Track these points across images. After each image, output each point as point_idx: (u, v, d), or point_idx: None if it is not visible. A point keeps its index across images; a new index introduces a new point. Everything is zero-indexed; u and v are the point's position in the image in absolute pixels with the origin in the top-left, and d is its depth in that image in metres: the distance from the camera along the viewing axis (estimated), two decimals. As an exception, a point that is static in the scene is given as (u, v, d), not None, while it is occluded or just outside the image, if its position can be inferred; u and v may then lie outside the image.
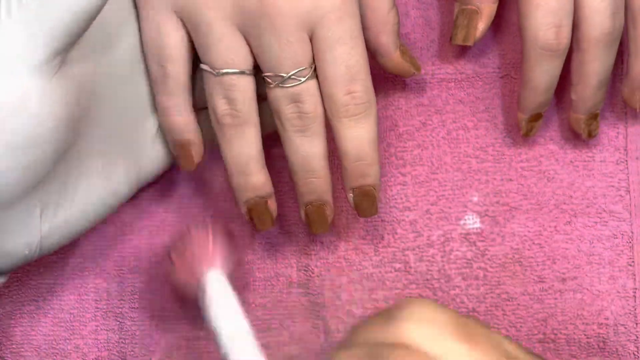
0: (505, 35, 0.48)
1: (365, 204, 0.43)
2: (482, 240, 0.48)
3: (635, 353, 0.47)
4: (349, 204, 0.44)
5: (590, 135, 0.46)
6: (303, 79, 0.41)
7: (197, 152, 0.44)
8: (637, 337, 0.47)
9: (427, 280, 0.47)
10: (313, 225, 0.44)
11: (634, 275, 0.47)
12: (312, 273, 0.48)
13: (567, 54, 0.44)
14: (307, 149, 0.42)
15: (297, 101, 0.41)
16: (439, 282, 0.47)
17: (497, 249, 0.47)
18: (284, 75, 0.41)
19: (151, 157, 0.45)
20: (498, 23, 0.48)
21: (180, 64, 0.42)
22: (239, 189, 0.43)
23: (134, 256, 0.48)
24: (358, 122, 0.41)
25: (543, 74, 0.44)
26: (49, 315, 0.48)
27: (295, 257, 0.48)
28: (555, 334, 0.47)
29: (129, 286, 0.48)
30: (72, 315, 0.48)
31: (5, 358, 0.48)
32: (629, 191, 0.47)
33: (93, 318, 0.48)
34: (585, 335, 0.47)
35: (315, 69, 0.41)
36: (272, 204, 0.44)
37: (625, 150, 0.48)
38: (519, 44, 0.48)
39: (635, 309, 0.47)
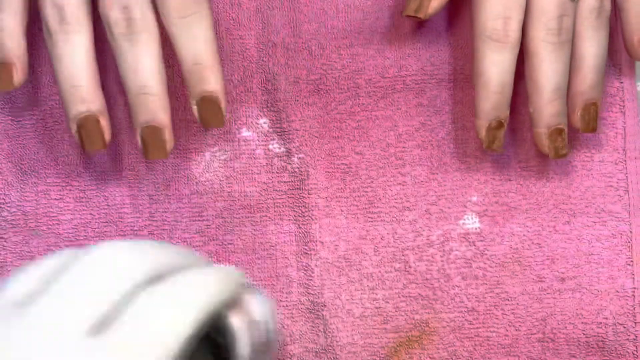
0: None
1: (207, 112, 0.42)
2: (482, 240, 0.48)
3: (635, 352, 0.47)
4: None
5: (558, 154, 0.45)
6: None
7: (19, 73, 0.43)
8: (636, 337, 0.47)
9: (427, 279, 0.48)
10: (148, 150, 0.42)
11: (633, 274, 0.47)
12: (312, 273, 0.48)
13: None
14: (138, 59, 0.41)
15: (125, 6, 0.40)
16: (438, 282, 0.47)
17: (496, 249, 0.48)
18: None
19: None
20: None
21: None
22: (68, 103, 0.42)
23: (134, 256, 0.48)
24: (191, 24, 0.41)
25: (492, 66, 0.44)
26: (48, 315, 0.48)
27: (295, 257, 0.48)
28: (555, 334, 0.47)
29: (129, 286, 0.48)
30: (71, 316, 0.48)
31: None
32: (627, 191, 0.48)
33: (93, 318, 0.48)
34: (584, 334, 0.47)
35: None
36: (105, 122, 0.42)
37: (623, 150, 0.48)
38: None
39: (634, 309, 0.47)
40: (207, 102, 0.42)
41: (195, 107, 0.42)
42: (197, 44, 0.41)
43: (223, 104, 0.42)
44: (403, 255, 0.48)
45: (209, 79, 0.42)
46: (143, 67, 0.41)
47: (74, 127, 0.42)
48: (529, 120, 0.48)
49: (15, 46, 0.43)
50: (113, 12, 0.41)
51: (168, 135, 0.42)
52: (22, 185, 0.48)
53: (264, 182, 0.48)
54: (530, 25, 0.43)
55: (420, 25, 0.49)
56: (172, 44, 0.42)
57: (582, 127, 0.45)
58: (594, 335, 0.47)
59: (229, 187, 0.48)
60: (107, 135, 0.42)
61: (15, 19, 0.42)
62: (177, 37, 0.42)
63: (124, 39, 0.41)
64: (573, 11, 0.43)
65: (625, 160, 0.48)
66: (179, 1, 0.41)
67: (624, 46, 0.46)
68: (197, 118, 0.42)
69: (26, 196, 0.48)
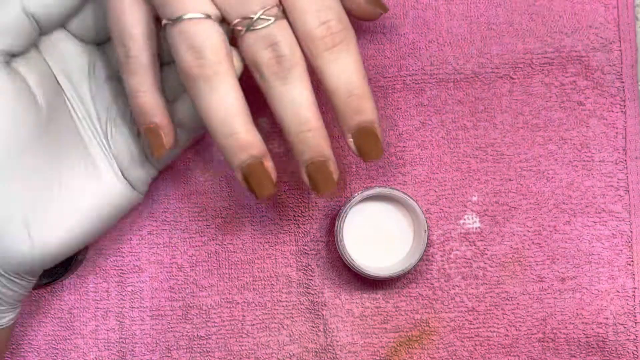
0: (504, 37, 0.48)
1: (368, 144, 0.40)
2: (482, 240, 0.48)
3: (635, 352, 0.47)
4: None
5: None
6: (273, 19, 0.37)
7: (167, 135, 0.40)
8: (637, 337, 0.47)
9: (427, 279, 0.47)
10: (318, 185, 0.40)
11: (633, 274, 0.47)
12: (312, 273, 0.48)
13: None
14: (293, 97, 0.38)
15: (273, 43, 0.37)
16: (438, 282, 0.47)
17: (496, 249, 0.48)
18: (253, 16, 0.37)
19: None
20: (496, 24, 0.48)
21: (141, 42, 0.39)
22: (229, 153, 0.39)
23: (134, 256, 0.48)
24: (340, 54, 0.38)
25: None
26: (49, 315, 0.48)
27: (295, 257, 0.48)
28: (555, 334, 0.47)
29: (129, 286, 0.48)
30: (72, 315, 0.48)
31: (5, 358, 0.48)
32: (627, 191, 0.48)
33: (93, 318, 0.48)
34: (584, 334, 0.47)
35: (283, 10, 0.38)
36: (269, 165, 0.39)
37: (624, 150, 0.48)
38: (517, 44, 0.48)
39: (634, 309, 0.47)
40: (366, 133, 0.39)
41: (351, 140, 0.40)
42: (348, 74, 0.38)
43: (380, 134, 0.40)
44: (403, 255, 0.48)
45: (366, 109, 0.39)
46: (300, 105, 0.38)
47: (240, 176, 0.39)
48: (529, 119, 0.48)
49: (157, 107, 0.40)
50: (262, 52, 0.37)
51: (333, 166, 0.40)
52: (21, 186, 0.48)
53: (264, 182, 0.48)
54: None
55: (418, 24, 0.49)
56: (319, 77, 0.39)
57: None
58: (594, 335, 0.47)
59: (228, 187, 0.48)
60: (274, 176, 0.40)
61: (149, 79, 0.40)
62: (325, 70, 0.38)
63: (278, 81, 0.38)
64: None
65: (625, 160, 0.48)
66: (324, 32, 0.38)
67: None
68: (354, 150, 0.40)
69: (26, 196, 0.48)
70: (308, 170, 0.39)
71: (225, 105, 0.37)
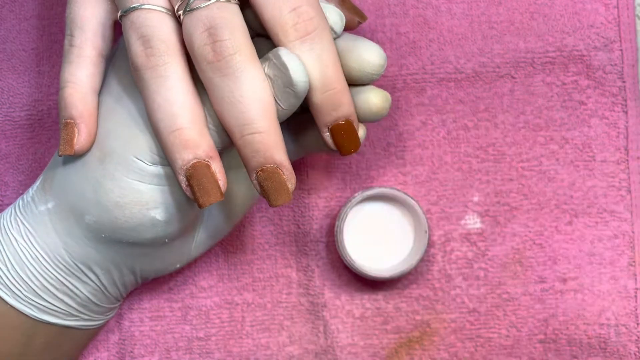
0: (505, 35, 0.48)
1: (347, 139, 0.37)
2: (483, 240, 0.47)
3: (637, 353, 0.47)
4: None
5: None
6: None
7: (81, 136, 0.37)
8: (639, 338, 0.47)
9: (428, 280, 0.47)
10: (270, 196, 0.35)
11: (635, 275, 0.47)
12: (312, 273, 0.48)
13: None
14: (232, 91, 0.34)
15: (210, 27, 0.33)
16: (439, 282, 0.47)
17: (497, 249, 0.47)
18: None
19: None
20: (497, 23, 0.48)
21: (88, 35, 0.37)
22: (172, 150, 0.35)
23: (133, 256, 0.48)
24: (313, 43, 0.35)
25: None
26: (46, 316, 0.47)
27: (295, 257, 0.48)
28: (556, 334, 0.47)
29: (128, 287, 0.48)
30: (70, 316, 0.47)
31: None
32: (630, 191, 0.47)
33: (91, 319, 0.47)
34: (586, 335, 0.47)
35: None
36: (217, 169, 0.35)
37: (625, 149, 0.48)
38: (519, 43, 0.48)
39: (636, 309, 0.47)
40: (344, 128, 0.37)
41: (328, 135, 0.37)
42: (324, 67, 0.35)
43: (357, 126, 0.38)
44: (404, 255, 0.47)
45: (343, 103, 0.36)
46: (241, 101, 0.34)
47: (182, 180, 0.35)
48: (530, 119, 0.48)
49: (81, 102, 0.37)
50: (197, 37, 0.34)
51: (288, 174, 0.35)
52: (19, 186, 0.48)
53: (264, 182, 0.48)
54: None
55: (419, 23, 0.48)
56: None
57: None
58: (596, 337, 0.47)
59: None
60: (223, 183, 0.35)
61: (83, 72, 0.37)
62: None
63: (213, 69, 0.34)
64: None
65: (627, 160, 0.47)
66: (295, 18, 0.34)
67: None
68: (331, 145, 0.38)
69: (24, 196, 0.48)
70: (258, 179, 0.35)
71: (172, 98, 0.34)
